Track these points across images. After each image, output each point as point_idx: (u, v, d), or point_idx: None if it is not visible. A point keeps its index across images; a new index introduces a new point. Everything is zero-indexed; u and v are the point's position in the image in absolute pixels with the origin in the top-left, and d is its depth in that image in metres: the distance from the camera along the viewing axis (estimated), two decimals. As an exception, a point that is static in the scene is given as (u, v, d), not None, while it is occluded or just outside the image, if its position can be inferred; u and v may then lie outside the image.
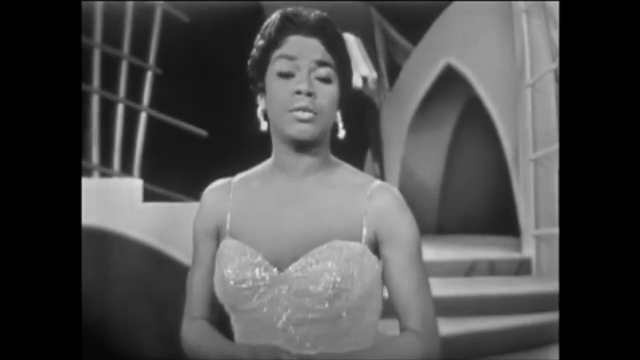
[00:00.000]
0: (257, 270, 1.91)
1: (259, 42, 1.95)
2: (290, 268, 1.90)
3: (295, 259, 1.90)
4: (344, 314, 1.90)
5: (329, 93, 1.92)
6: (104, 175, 6.21)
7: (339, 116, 1.96)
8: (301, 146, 1.93)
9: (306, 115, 1.89)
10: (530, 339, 6.15)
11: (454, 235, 9.29)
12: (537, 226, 7.80)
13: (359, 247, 1.91)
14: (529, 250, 7.82)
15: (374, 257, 1.93)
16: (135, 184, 5.66)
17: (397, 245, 1.93)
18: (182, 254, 5.38)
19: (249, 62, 1.97)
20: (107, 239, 5.36)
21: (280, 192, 1.96)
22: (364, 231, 1.92)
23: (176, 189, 6.35)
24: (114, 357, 5.42)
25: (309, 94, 1.89)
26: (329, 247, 1.89)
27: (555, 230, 7.44)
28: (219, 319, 2.04)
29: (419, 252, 1.95)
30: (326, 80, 1.92)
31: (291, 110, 1.89)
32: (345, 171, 1.99)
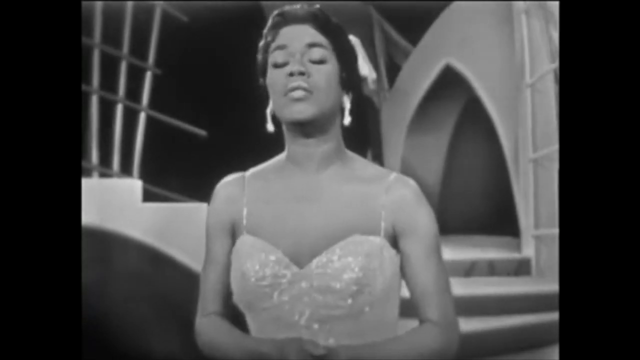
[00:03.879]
0: (277, 267, 1.90)
1: (260, 43, 1.99)
2: (312, 264, 1.89)
3: (315, 255, 1.90)
4: (366, 309, 1.89)
5: (324, 71, 1.93)
6: (103, 175, 6.20)
7: (347, 102, 1.97)
8: (307, 133, 1.93)
9: (300, 93, 1.90)
10: (529, 339, 6.15)
11: (454, 235, 9.27)
12: (536, 226, 7.80)
13: (378, 241, 1.91)
14: (528, 250, 7.82)
15: (393, 251, 1.93)
16: (134, 185, 5.65)
17: (415, 238, 1.94)
18: (181, 254, 5.37)
19: (256, 67, 2.00)
20: (106, 239, 5.36)
21: (296, 187, 1.95)
22: (383, 224, 1.93)
23: (176, 190, 6.35)
24: (113, 357, 5.41)
25: (301, 73, 1.90)
26: (349, 242, 1.89)
27: (555, 230, 7.43)
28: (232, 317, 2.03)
29: (437, 244, 1.96)
30: (320, 60, 1.93)
31: (286, 93, 1.90)
32: (361, 164, 1.99)
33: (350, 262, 1.88)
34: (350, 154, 2.00)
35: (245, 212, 1.98)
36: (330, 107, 1.94)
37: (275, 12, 1.98)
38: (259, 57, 1.99)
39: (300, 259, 1.91)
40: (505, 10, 8.34)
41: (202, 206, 5.54)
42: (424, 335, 1.92)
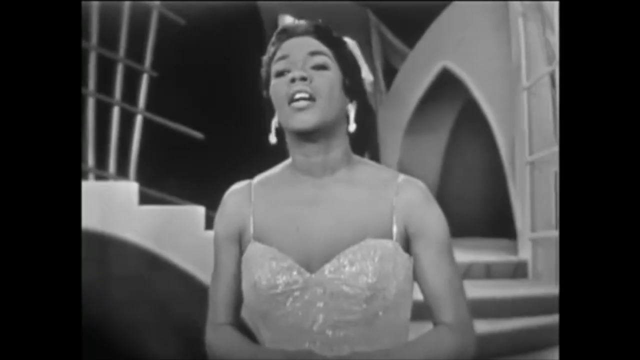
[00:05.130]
0: (288, 274, 1.88)
1: (263, 58, 1.99)
2: (324, 270, 1.87)
3: (327, 260, 1.87)
4: (380, 313, 1.87)
5: (326, 77, 1.92)
6: (99, 178, 6.18)
7: (352, 109, 1.96)
8: (312, 141, 1.92)
9: (303, 103, 1.88)
10: (526, 342, 6.15)
11: (450, 238, 9.28)
12: (533, 229, 7.81)
13: (391, 245, 1.89)
14: (525, 253, 7.84)
15: (405, 254, 1.91)
16: (131, 187, 5.64)
17: (427, 240, 1.92)
18: (178, 257, 5.37)
19: (260, 82, 2.00)
20: (103, 241, 5.35)
21: (304, 193, 1.94)
22: (395, 228, 1.91)
23: (172, 192, 6.34)
24: (110, 358, 5.41)
25: (303, 78, 1.90)
26: (362, 246, 1.87)
27: (551, 233, 7.45)
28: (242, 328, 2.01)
29: (449, 245, 1.94)
30: (322, 67, 1.93)
31: (290, 102, 1.89)
32: (368, 167, 1.97)
33: (364, 266, 1.86)
34: (357, 157, 1.98)
35: (252, 219, 1.96)
36: (334, 115, 1.92)
37: (278, 29, 2.00)
38: (263, 70, 1.99)
39: (311, 264, 1.88)
40: (502, 14, 8.36)
41: (199, 209, 5.54)
42: (439, 339, 1.89)
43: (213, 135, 6.81)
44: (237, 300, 1.97)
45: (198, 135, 6.63)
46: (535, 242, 7.75)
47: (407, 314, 1.94)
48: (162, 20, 6.65)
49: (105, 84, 6.31)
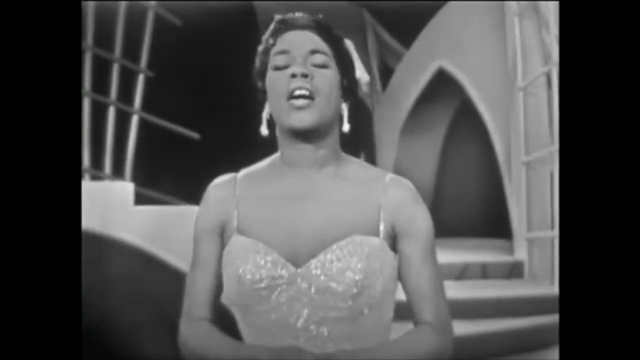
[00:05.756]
0: (273, 269, 1.87)
1: (259, 48, 1.98)
2: (310, 264, 1.86)
3: (312, 255, 1.87)
4: (365, 310, 1.87)
5: (326, 76, 1.91)
6: (95, 178, 6.17)
7: (345, 109, 1.96)
8: (305, 138, 1.91)
9: (302, 101, 1.88)
10: (522, 342, 6.15)
11: (446, 238, 9.27)
12: (529, 229, 7.81)
13: (378, 242, 1.89)
14: (521, 253, 7.83)
15: (391, 253, 1.91)
16: (126, 187, 5.63)
17: (414, 239, 1.93)
18: (173, 257, 5.37)
19: (253, 71, 1.98)
20: (98, 241, 5.34)
21: (290, 187, 1.93)
22: (381, 226, 1.91)
23: (168, 192, 6.33)
24: (105, 359, 5.41)
25: (304, 75, 1.89)
26: (349, 242, 1.87)
27: (548, 233, 7.45)
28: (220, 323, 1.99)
29: (433, 245, 1.95)
30: (322, 66, 1.92)
31: (289, 99, 1.89)
32: (357, 165, 1.98)
33: (351, 263, 1.85)
34: (346, 156, 1.98)
35: (236, 212, 1.94)
36: (330, 115, 1.92)
37: (277, 18, 1.98)
38: (258, 60, 1.97)
39: (296, 259, 1.87)
40: (498, 14, 8.36)
41: (195, 209, 5.52)
42: (421, 338, 1.90)
43: (209, 136, 6.80)
44: (216, 295, 1.96)
45: (194, 135, 6.63)
46: (531, 242, 7.75)
47: (390, 313, 1.95)
48: (158, 20, 6.65)
49: (101, 83, 6.30)
